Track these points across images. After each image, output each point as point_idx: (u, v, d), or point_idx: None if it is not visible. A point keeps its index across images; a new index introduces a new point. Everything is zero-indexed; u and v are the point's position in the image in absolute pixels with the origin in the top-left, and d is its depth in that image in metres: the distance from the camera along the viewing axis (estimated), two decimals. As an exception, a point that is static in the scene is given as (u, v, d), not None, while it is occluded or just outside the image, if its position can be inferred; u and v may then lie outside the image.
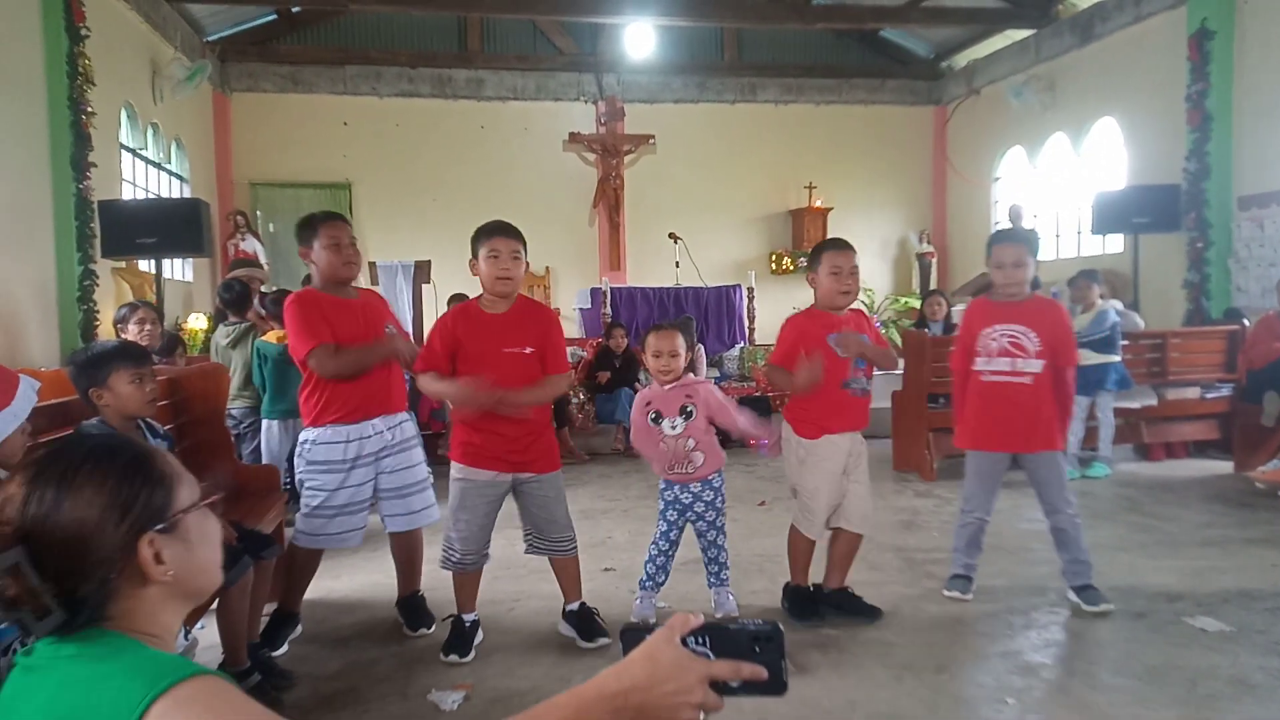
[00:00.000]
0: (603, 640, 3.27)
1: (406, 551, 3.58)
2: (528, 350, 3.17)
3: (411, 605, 3.56)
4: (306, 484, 3.31)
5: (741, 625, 1.04)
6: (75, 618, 1.03)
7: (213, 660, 2.88)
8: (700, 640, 1.02)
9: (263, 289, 6.55)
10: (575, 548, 3.39)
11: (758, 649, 1.02)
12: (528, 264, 3.33)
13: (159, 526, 1.08)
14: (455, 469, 3.25)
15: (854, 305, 3.67)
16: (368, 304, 3.44)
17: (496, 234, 3.20)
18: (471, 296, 3.41)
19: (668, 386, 3.49)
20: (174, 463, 1.15)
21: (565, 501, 3.37)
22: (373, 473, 3.35)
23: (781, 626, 1.04)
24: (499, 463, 3.19)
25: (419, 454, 3.49)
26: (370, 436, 3.30)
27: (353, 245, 3.35)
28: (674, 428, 3.44)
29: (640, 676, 0.99)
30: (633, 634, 1.06)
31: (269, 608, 3.32)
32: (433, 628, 3.48)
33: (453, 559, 3.26)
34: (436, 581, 4.02)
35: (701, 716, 1.01)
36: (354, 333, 3.27)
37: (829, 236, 12.55)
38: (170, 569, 1.08)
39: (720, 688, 1.01)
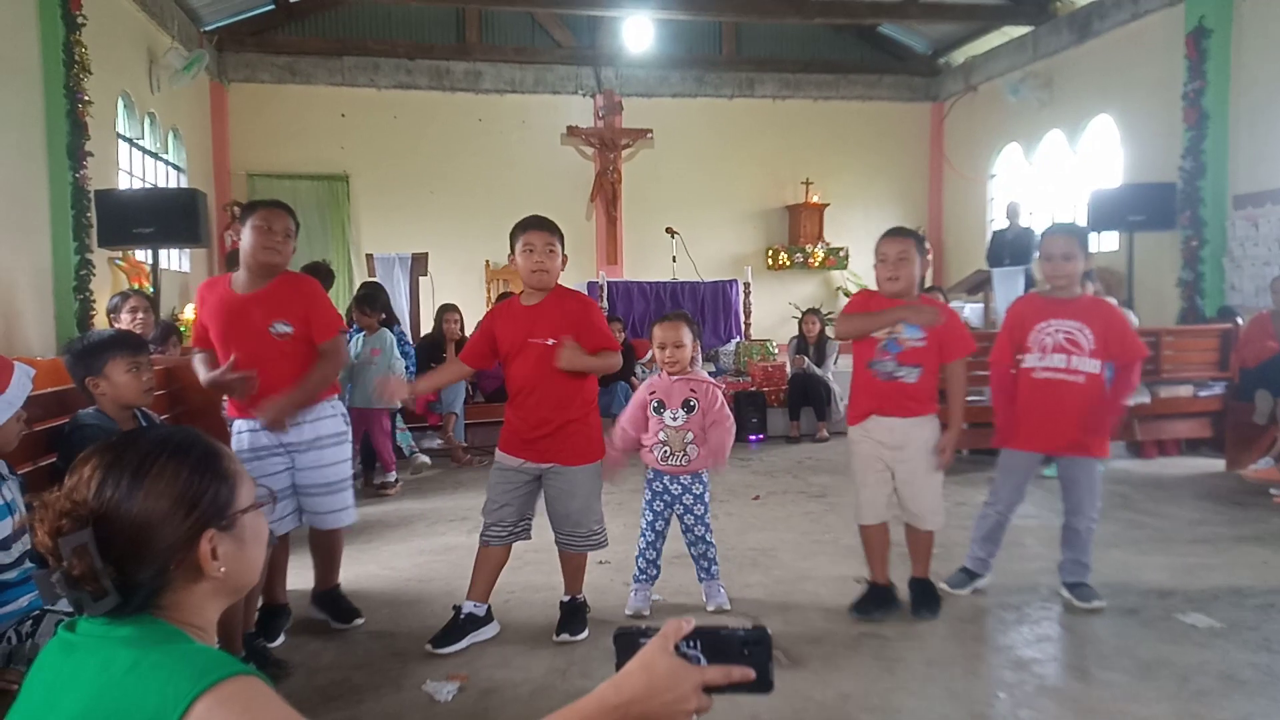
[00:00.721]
0: (565, 636, 3.29)
1: (324, 548, 3.53)
2: (549, 342, 3.19)
3: (330, 599, 3.54)
4: None
5: (731, 630, 1.07)
6: (128, 602, 1.06)
7: (208, 650, 2.88)
8: (692, 644, 1.05)
9: None
10: (584, 546, 3.39)
11: (747, 651, 1.06)
12: (565, 257, 3.32)
13: (221, 523, 1.13)
14: (496, 452, 3.38)
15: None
16: (272, 295, 3.18)
17: (531, 228, 3.25)
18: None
19: (674, 378, 3.50)
20: (238, 462, 1.19)
21: (585, 497, 3.33)
22: (286, 463, 3.24)
23: (769, 630, 1.07)
24: (524, 450, 3.28)
25: (339, 453, 3.33)
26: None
27: (285, 237, 3.19)
28: (675, 419, 3.46)
29: (639, 689, 1.03)
30: (625, 639, 1.09)
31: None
32: (363, 619, 3.49)
33: (481, 533, 3.34)
34: (431, 573, 4.03)
35: (695, 718, 1.05)
36: (237, 328, 3.15)
37: (827, 232, 12.64)
38: (223, 565, 1.12)
39: (710, 688, 1.05)
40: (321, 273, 5.32)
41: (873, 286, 3.65)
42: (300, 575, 3.61)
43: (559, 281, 3.33)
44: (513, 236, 3.29)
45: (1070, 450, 3.56)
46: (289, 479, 3.28)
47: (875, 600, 3.49)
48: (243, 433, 3.24)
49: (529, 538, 3.40)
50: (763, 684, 1.05)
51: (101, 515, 1.06)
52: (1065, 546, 3.64)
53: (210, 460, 1.15)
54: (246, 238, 3.17)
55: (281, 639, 3.33)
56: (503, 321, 3.33)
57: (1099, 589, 3.58)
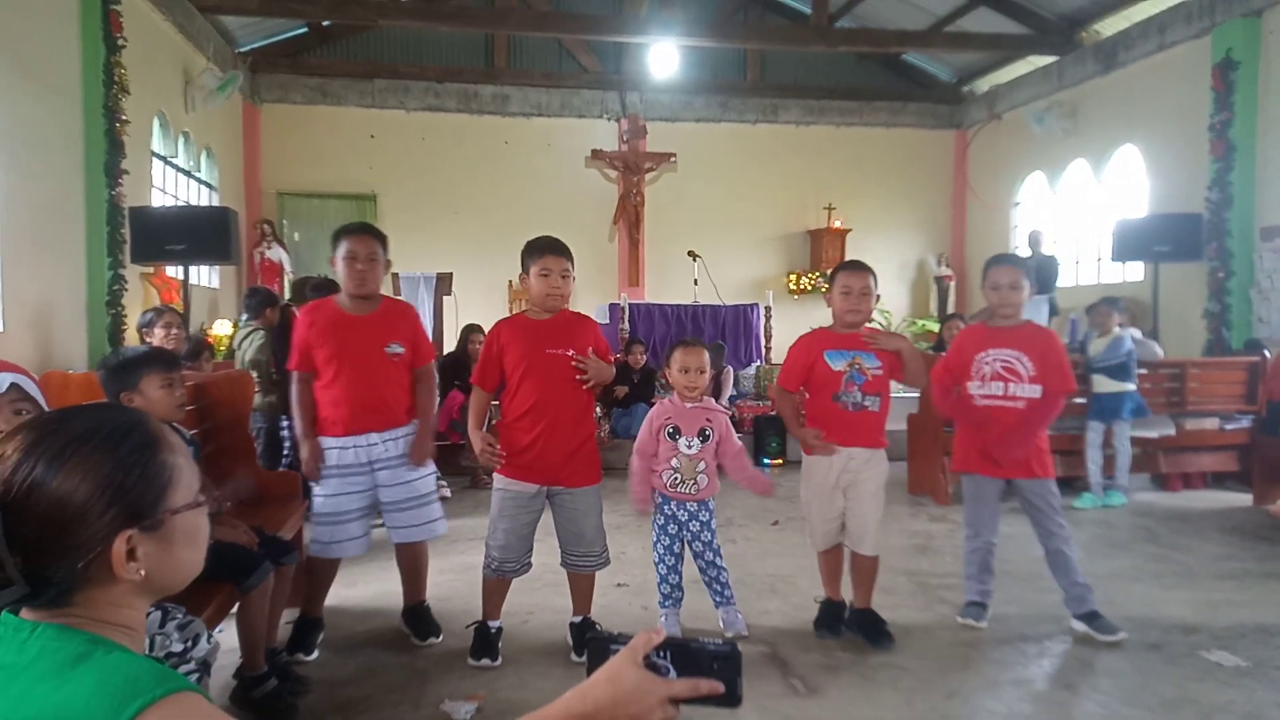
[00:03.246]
0: (584, 658, 3.29)
1: (411, 562, 3.60)
2: (569, 352, 3.24)
3: (417, 615, 3.59)
4: (312, 490, 3.40)
5: (702, 644, 1.08)
6: (38, 594, 0.97)
7: (230, 664, 2.92)
8: (662, 654, 1.06)
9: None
10: (596, 566, 3.40)
11: (716, 666, 1.06)
12: (573, 278, 3.36)
13: (144, 523, 1.01)
14: (496, 479, 3.34)
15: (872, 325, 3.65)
16: (384, 316, 3.42)
17: (549, 252, 3.26)
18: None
19: (690, 405, 3.52)
20: (181, 457, 1.07)
21: (597, 517, 3.37)
22: (368, 484, 3.36)
23: (740, 647, 1.08)
24: (538, 475, 3.27)
25: (425, 467, 3.46)
26: (363, 447, 3.33)
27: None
28: (690, 447, 3.48)
29: (604, 699, 1.03)
30: (597, 645, 1.10)
31: (289, 615, 3.37)
32: (440, 637, 3.52)
33: (492, 566, 3.33)
34: (450, 591, 4.06)
35: None
36: (353, 347, 3.34)
37: (849, 257, 12.68)
38: (142, 567, 1.01)
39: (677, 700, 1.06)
40: (335, 289, 5.41)
41: (890, 308, 3.68)
42: (333, 591, 3.64)
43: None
44: (528, 256, 3.28)
45: (1019, 472, 3.63)
46: (368, 500, 3.38)
47: (831, 616, 3.61)
48: (330, 449, 3.34)
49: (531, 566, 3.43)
50: (731, 698, 1.06)
51: (12, 499, 0.95)
52: (1057, 573, 3.66)
53: (145, 451, 1.02)
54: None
55: (316, 654, 3.37)
56: (510, 336, 3.29)
57: (1120, 622, 3.55)
